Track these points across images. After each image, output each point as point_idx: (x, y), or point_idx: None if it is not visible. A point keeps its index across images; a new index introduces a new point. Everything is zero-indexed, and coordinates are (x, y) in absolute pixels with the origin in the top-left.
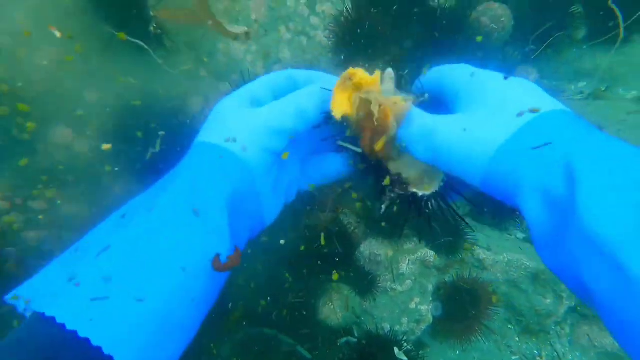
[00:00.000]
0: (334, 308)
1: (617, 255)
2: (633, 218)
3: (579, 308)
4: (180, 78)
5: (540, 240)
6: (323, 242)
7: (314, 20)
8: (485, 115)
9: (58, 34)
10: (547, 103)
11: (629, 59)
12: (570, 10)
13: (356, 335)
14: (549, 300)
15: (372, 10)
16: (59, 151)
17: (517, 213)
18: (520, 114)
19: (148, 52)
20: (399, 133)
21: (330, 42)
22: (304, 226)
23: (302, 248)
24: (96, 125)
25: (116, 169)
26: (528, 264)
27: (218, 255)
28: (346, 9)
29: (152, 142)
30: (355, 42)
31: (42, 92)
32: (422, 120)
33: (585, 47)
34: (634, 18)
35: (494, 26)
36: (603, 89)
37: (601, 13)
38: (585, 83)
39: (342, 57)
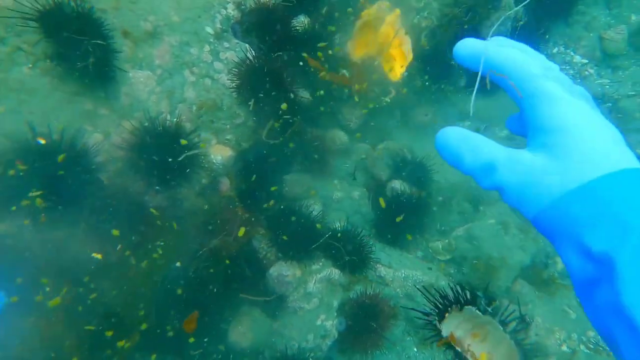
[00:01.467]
0: (244, 331)
1: None
2: None
3: None
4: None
5: (579, 288)
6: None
7: (218, 65)
8: (557, 160)
9: None
10: (623, 159)
11: (501, 104)
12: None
13: (267, 357)
14: None
15: (272, 55)
16: None
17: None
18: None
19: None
20: (464, 166)
21: (233, 84)
22: (208, 250)
23: (191, 273)
24: None
25: None
26: (422, 278)
27: None
28: (248, 56)
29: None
30: (257, 83)
31: None
32: (486, 154)
33: (467, 92)
34: None
35: None
36: (482, 128)
37: None
38: (469, 123)
39: (245, 97)
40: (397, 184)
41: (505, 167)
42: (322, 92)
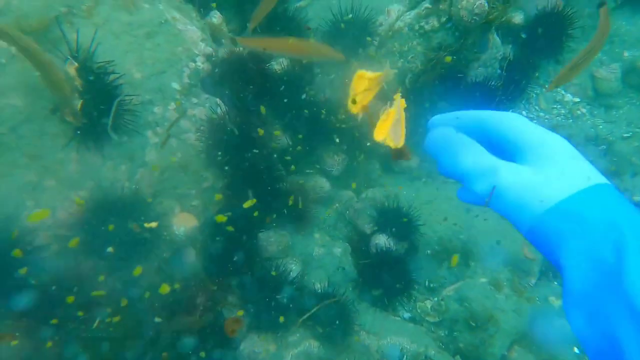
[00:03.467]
0: None
1: None
2: None
3: None
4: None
5: (574, 299)
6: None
7: (185, 123)
8: (548, 173)
9: None
10: (600, 176)
11: None
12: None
13: None
14: None
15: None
16: None
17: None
18: (581, 179)
19: None
20: (463, 165)
21: (201, 143)
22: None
23: None
24: None
25: None
26: (410, 347)
27: None
28: (219, 110)
29: None
30: (228, 141)
31: None
32: (488, 159)
33: None
34: None
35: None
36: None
37: None
38: None
39: (218, 155)
40: (382, 240)
41: (508, 171)
42: (300, 136)
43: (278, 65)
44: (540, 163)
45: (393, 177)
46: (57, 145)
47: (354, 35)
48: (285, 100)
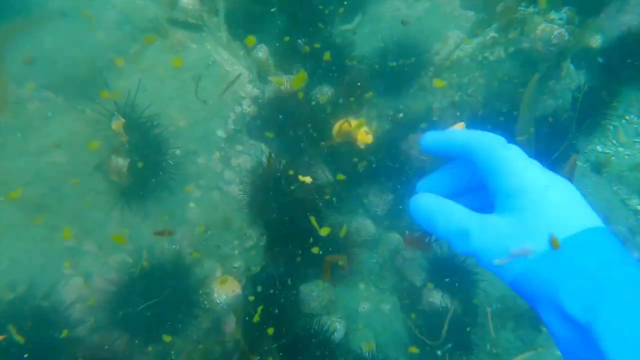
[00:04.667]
0: None
1: None
2: None
3: None
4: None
5: (562, 349)
6: None
7: (228, 174)
8: (524, 224)
9: None
10: (585, 218)
11: None
12: None
13: None
14: None
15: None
16: None
17: None
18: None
19: None
20: (439, 231)
21: (245, 196)
22: None
23: None
24: None
25: None
26: None
27: None
28: (265, 158)
29: None
30: (273, 191)
31: None
32: (458, 221)
33: None
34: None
35: (424, 157)
36: None
37: None
38: None
39: (258, 212)
40: (437, 298)
41: (477, 234)
42: (341, 176)
43: (323, 96)
44: (520, 211)
45: None
46: (99, 204)
47: (405, 66)
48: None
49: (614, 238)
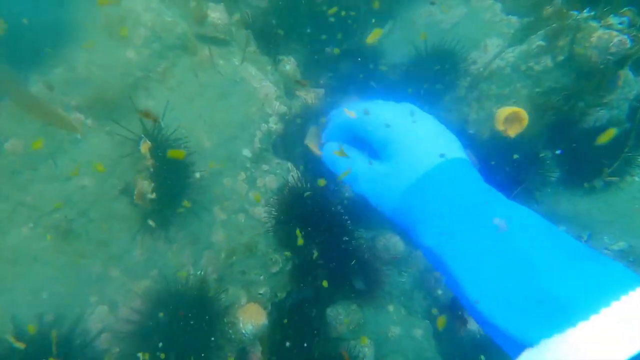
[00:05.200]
0: None
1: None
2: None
3: None
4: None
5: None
6: None
7: (254, 195)
8: (396, 164)
9: None
10: (448, 148)
11: (612, 207)
12: (540, 154)
13: None
14: None
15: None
16: None
17: None
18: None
19: None
20: (338, 172)
21: (271, 218)
22: None
23: None
24: None
25: None
26: None
27: None
28: (292, 177)
29: None
30: (300, 214)
31: None
32: (353, 169)
33: (561, 188)
34: (614, 166)
35: None
36: (585, 237)
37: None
38: (564, 227)
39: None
40: (475, 326)
41: (362, 178)
42: None
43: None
44: (392, 155)
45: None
46: (125, 229)
47: (440, 73)
48: None
49: (467, 166)
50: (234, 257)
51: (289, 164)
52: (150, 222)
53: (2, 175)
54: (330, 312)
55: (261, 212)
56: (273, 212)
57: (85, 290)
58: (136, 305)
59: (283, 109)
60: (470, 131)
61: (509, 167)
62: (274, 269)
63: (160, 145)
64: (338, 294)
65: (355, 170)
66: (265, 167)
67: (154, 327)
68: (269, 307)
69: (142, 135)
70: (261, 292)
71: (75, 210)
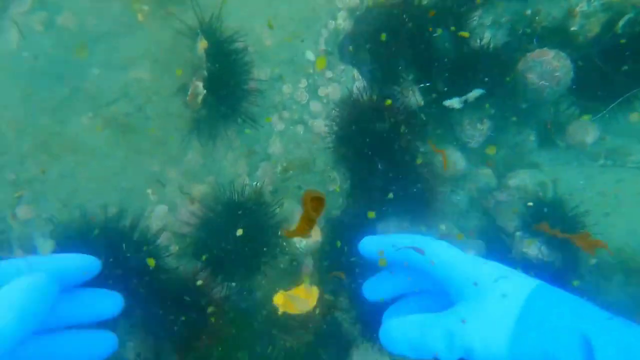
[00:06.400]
0: None
1: None
2: None
3: None
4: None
5: None
6: None
7: (315, 106)
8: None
9: None
10: (521, 283)
11: None
12: None
13: None
14: None
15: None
16: None
17: None
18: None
19: None
20: (426, 348)
21: (332, 133)
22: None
23: None
24: None
25: None
26: None
27: None
28: (357, 88)
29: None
30: (361, 130)
31: None
32: (441, 328)
33: None
34: None
35: (545, 83)
36: None
37: None
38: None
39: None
40: (534, 250)
41: (461, 330)
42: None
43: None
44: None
45: (555, 154)
46: (180, 130)
47: None
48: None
49: (554, 288)
50: (291, 171)
51: (355, 71)
52: (204, 127)
53: (57, 53)
54: (381, 226)
55: (321, 125)
56: (334, 126)
57: (145, 188)
58: (193, 208)
59: (355, 2)
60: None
61: None
62: (331, 187)
63: (216, 44)
64: (391, 211)
65: (447, 328)
66: (329, 73)
67: (210, 231)
68: (322, 223)
69: (199, 32)
70: None
71: (132, 105)
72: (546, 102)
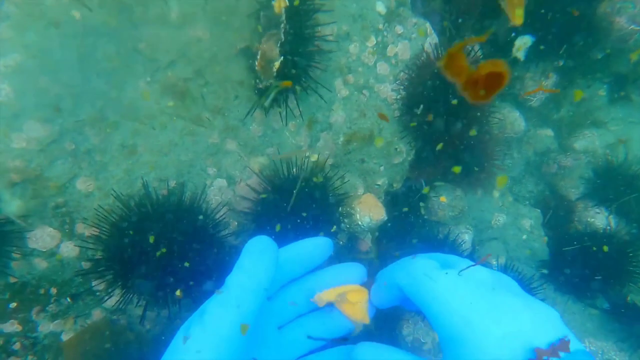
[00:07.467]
0: None
1: None
2: None
3: None
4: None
5: None
6: None
7: (382, 68)
8: None
9: None
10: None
11: None
12: None
13: None
14: None
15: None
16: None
17: None
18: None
19: None
20: None
21: (399, 99)
22: None
23: None
24: None
25: None
26: None
27: None
28: (429, 45)
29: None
30: (432, 93)
31: None
32: None
33: None
34: None
35: (636, 27)
36: None
37: None
38: None
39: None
40: (599, 220)
41: None
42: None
43: None
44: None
45: (627, 111)
46: (241, 98)
47: None
48: None
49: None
50: (354, 143)
51: (427, 25)
52: (268, 95)
53: (110, 10)
54: (432, 194)
55: (388, 90)
56: (402, 91)
57: (204, 161)
58: (253, 182)
59: None
60: None
61: None
62: (397, 160)
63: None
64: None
65: None
66: (399, 29)
67: (269, 206)
68: (383, 197)
69: None
70: (379, 182)
71: (190, 68)
72: (630, 50)
